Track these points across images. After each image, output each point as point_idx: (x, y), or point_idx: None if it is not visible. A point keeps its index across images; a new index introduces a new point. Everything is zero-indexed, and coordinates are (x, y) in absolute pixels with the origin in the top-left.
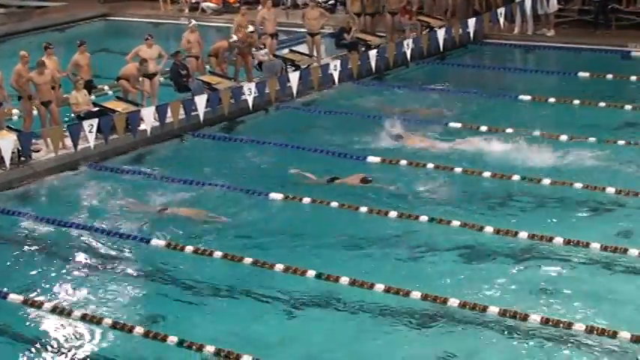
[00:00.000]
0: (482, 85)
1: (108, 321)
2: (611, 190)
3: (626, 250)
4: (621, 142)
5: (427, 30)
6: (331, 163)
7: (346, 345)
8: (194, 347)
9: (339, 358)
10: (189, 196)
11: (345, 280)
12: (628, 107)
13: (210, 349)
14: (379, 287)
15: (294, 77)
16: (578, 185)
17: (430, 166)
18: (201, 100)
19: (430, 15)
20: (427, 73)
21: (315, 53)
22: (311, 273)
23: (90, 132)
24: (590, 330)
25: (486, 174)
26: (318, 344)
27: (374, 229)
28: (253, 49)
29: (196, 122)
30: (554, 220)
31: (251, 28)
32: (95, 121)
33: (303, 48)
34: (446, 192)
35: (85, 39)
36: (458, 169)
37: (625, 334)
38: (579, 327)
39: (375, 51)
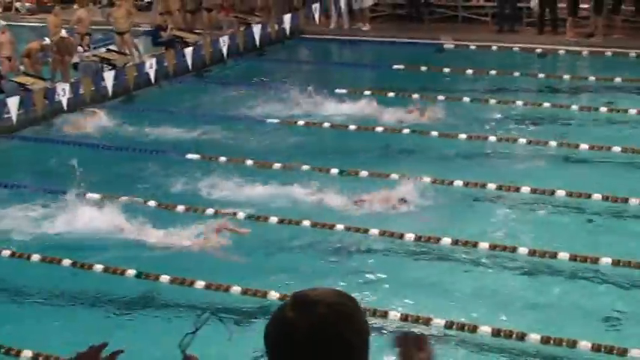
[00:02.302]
0: (299, 79)
1: None
2: (427, 180)
3: (438, 240)
4: (434, 134)
5: (244, 27)
6: (148, 159)
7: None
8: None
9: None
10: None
11: (165, 278)
12: (441, 98)
13: (27, 353)
14: (200, 284)
15: (108, 77)
16: (394, 177)
17: (249, 162)
18: (13, 102)
19: (248, 12)
20: (244, 69)
21: (127, 51)
22: (130, 272)
23: None
24: (404, 318)
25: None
26: (138, 344)
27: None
28: (79, 49)
29: (9, 124)
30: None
31: (64, 33)
32: None
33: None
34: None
35: None
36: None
37: (439, 321)
38: (394, 316)
39: (190, 48)
